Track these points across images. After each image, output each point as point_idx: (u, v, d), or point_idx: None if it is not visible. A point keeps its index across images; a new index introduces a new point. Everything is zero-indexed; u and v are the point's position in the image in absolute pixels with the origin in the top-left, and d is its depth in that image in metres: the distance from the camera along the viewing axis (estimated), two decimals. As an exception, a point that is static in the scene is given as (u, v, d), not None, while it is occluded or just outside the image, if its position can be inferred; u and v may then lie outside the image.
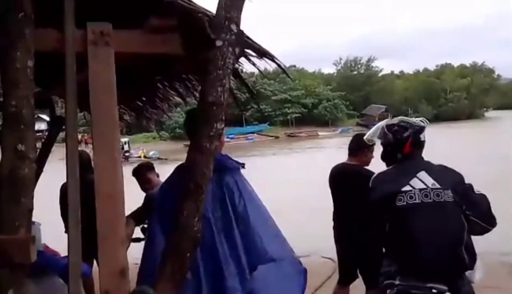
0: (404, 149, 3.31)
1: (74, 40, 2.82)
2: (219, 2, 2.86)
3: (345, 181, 5.11)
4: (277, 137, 69.46)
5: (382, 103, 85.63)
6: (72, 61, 2.81)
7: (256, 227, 3.09)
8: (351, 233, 5.08)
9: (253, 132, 71.56)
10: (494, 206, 3.17)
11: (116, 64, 2.86)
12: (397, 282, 3.02)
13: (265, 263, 3.03)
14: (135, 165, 5.61)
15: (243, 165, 3.31)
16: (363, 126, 67.46)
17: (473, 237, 3.21)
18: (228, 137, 54.81)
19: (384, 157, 3.46)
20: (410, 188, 3.08)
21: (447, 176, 3.17)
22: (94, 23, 2.84)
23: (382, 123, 3.51)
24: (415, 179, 3.12)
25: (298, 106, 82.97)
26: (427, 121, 3.57)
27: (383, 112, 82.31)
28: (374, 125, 3.66)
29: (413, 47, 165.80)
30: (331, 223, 5.21)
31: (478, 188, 3.25)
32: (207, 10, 2.93)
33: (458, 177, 3.22)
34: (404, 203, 3.06)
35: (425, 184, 3.09)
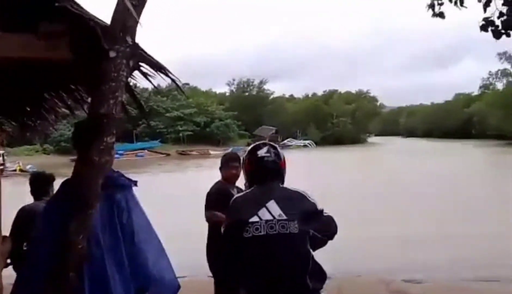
0: (250, 172, 3.40)
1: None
2: (114, 12, 2.78)
3: None
4: (168, 155, 68.72)
5: (272, 124, 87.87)
6: None
7: (143, 248, 3.04)
8: (207, 253, 5.47)
9: (143, 149, 70.32)
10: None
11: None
12: None
13: (149, 285, 3.00)
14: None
15: (135, 183, 3.22)
16: (254, 146, 68.54)
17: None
18: (117, 153, 53.82)
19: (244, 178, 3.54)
20: (257, 220, 3.07)
21: (296, 205, 3.16)
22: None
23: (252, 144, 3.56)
24: (263, 209, 3.10)
25: (191, 124, 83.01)
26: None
27: (273, 134, 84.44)
28: None
29: (304, 72, 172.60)
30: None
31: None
32: (101, 20, 2.84)
33: (308, 204, 3.21)
34: (250, 235, 3.05)
35: (272, 215, 3.07)
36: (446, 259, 9.91)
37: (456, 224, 14.09)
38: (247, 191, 3.39)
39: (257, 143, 3.47)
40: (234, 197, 3.38)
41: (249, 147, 3.48)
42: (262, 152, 3.32)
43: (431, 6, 5.88)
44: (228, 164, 5.46)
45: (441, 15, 5.84)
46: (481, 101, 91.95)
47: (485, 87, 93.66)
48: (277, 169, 3.34)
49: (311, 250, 3.11)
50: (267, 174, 3.29)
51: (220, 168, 5.59)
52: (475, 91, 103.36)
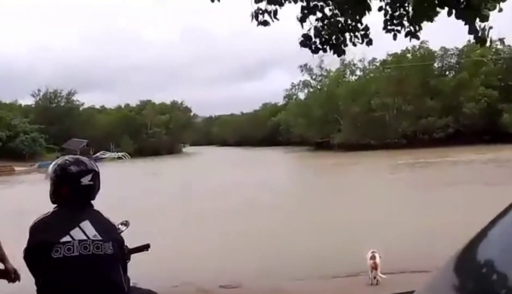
0: (62, 190, 3.11)
1: None
2: None
3: None
4: (-36, 174, 61.86)
5: (84, 137, 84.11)
6: None
7: None
8: None
9: None
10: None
11: None
12: None
13: None
14: None
15: None
16: (64, 160, 64.76)
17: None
18: None
19: (50, 196, 3.18)
20: (70, 239, 2.91)
21: (110, 230, 3.13)
22: None
23: (60, 159, 3.27)
24: (77, 229, 2.96)
25: (-9, 139, 75.67)
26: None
27: (84, 146, 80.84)
28: None
29: (115, 82, 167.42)
30: None
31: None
32: None
33: (118, 234, 3.26)
34: (61, 255, 2.87)
35: (87, 236, 2.96)
36: (263, 263, 10.29)
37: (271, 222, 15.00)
38: (53, 210, 3.13)
39: (70, 158, 3.19)
40: (36, 219, 3.09)
41: (61, 162, 3.16)
42: (81, 177, 3.10)
43: (255, 15, 6.19)
44: None
45: (264, 23, 6.18)
46: (286, 110, 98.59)
47: (288, 97, 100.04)
48: (93, 191, 3.20)
49: (123, 273, 3.11)
50: (84, 197, 3.15)
51: None
52: (281, 102, 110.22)
